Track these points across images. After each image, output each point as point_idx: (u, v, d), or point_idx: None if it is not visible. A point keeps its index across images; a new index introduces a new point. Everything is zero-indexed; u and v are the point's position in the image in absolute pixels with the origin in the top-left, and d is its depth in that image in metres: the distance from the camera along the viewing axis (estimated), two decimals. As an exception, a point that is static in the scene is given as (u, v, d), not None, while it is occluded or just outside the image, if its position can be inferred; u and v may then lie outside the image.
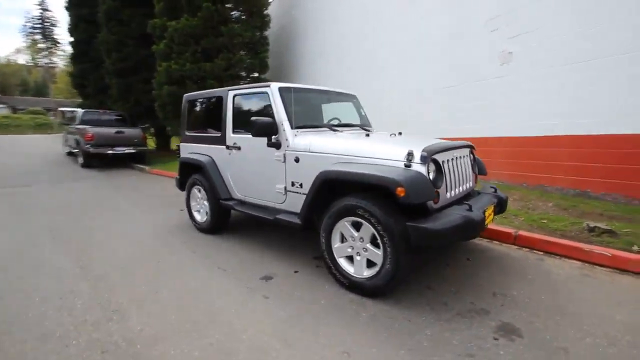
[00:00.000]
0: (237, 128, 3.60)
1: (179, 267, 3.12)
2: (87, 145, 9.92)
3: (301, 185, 2.97)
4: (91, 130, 10.08)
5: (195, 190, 4.16)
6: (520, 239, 3.43)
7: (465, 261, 3.10)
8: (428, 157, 2.35)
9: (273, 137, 3.07)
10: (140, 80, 12.81)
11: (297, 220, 2.95)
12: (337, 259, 2.62)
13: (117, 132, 10.72)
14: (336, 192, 2.63)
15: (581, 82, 4.62)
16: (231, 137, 3.60)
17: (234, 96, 3.59)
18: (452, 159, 2.69)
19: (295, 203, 3.04)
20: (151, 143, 14.17)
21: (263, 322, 2.20)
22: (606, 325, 2.09)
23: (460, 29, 6.26)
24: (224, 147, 3.68)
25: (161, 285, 2.75)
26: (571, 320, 2.14)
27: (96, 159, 10.47)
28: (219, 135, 3.75)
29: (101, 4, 12.87)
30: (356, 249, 2.51)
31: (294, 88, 3.34)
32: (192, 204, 4.26)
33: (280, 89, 3.20)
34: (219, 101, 3.78)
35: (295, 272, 2.97)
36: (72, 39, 16.58)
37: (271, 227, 4.26)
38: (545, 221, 3.81)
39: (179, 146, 4.56)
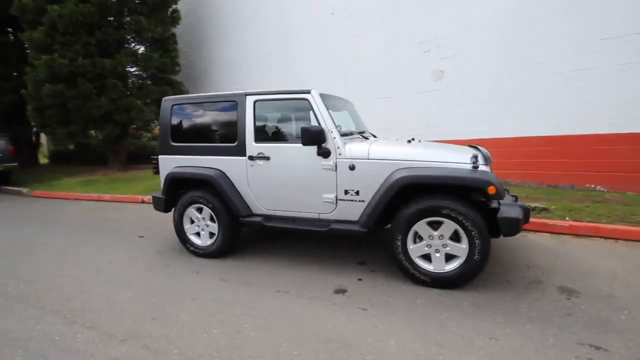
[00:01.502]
0: (261, 136, 3.28)
1: (234, 302, 2.66)
2: None
3: (357, 192, 2.97)
4: None
5: (192, 211, 3.56)
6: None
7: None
8: (490, 160, 2.75)
9: (322, 145, 2.97)
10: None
11: (356, 228, 2.94)
12: (413, 259, 2.76)
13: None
14: (402, 196, 2.77)
15: (500, 96, 5.98)
16: (254, 146, 3.25)
17: (255, 102, 3.26)
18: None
19: (349, 211, 3.02)
20: (43, 158, 10.82)
21: (394, 332, 2.17)
22: (608, 270, 2.90)
23: (396, 47, 7.13)
24: (244, 157, 3.30)
25: (242, 325, 2.32)
26: (587, 273, 2.87)
27: None
28: (234, 145, 3.33)
29: None
30: (434, 246, 2.71)
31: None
32: (187, 226, 3.62)
33: (322, 95, 3.11)
34: (232, 107, 3.36)
35: (359, 279, 2.95)
36: None
37: (276, 240, 4.01)
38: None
39: (155, 159, 3.79)
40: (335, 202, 3.05)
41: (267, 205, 3.32)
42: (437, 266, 2.71)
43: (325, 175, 3.04)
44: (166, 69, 9.95)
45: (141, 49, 10.09)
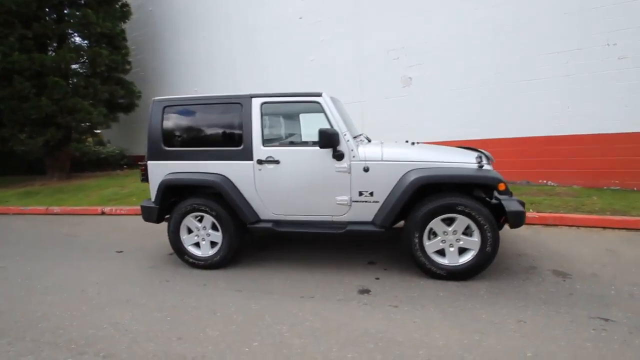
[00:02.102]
0: (269, 140, 3.20)
1: (261, 312, 2.55)
2: None
3: (371, 193, 3.04)
4: None
5: (190, 220, 3.33)
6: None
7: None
8: (492, 159, 3.01)
9: (337, 148, 2.99)
10: None
11: (372, 229, 3.01)
12: (429, 255, 2.90)
13: None
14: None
15: (463, 102, 6.53)
16: (263, 150, 3.15)
17: (262, 104, 3.17)
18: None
19: (363, 212, 3.08)
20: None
21: (433, 325, 2.26)
22: (583, 254, 3.34)
23: (367, 54, 7.40)
24: (251, 162, 3.18)
25: (281, 334, 2.24)
26: (568, 257, 3.28)
27: None
28: (239, 149, 3.20)
29: None
30: (448, 241, 2.88)
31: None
32: (184, 237, 3.37)
33: (332, 99, 3.13)
34: (235, 109, 3.22)
35: (377, 278, 3.02)
36: None
37: (271, 246, 3.92)
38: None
39: (144, 165, 3.48)
40: (349, 203, 3.09)
41: (276, 210, 3.23)
42: (452, 260, 2.89)
43: (338, 177, 3.07)
44: (117, 67, 9.12)
45: (86, 45, 9.10)
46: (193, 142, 3.37)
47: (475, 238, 2.81)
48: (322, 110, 3.08)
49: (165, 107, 3.36)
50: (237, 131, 3.23)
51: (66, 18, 8.26)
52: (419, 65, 6.79)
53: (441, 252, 2.92)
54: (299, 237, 4.04)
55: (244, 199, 3.23)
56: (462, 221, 2.81)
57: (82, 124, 8.22)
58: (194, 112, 3.39)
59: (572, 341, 2.04)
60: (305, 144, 3.29)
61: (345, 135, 3.03)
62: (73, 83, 8.03)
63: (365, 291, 2.79)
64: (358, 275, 3.08)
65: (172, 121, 3.38)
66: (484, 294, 2.65)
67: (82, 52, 8.16)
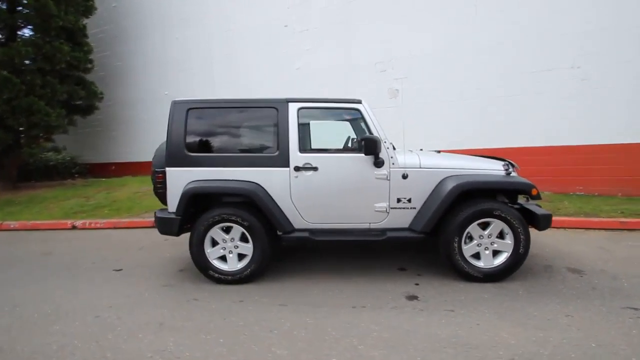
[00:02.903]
0: (306, 146, 3.12)
1: (320, 326, 2.45)
2: None
3: (409, 200, 3.10)
4: None
5: (217, 231, 3.09)
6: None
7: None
8: (516, 166, 3.24)
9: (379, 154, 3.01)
10: None
11: (411, 235, 3.06)
12: (467, 258, 3.02)
13: None
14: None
15: (447, 114, 6.95)
16: (300, 156, 3.06)
17: (299, 109, 3.08)
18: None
19: (400, 219, 3.13)
20: None
21: (497, 326, 2.34)
22: (584, 252, 3.71)
23: (354, 65, 7.58)
24: (287, 168, 3.06)
25: (354, 347, 2.16)
26: (573, 256, 3.62)
27: None
28: (275, 155, 3.06)
29: None
30: (484, 245, 3.02)
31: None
32: (209, 250, 3.12)
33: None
34: (270, 114, 3.09)
35: (417, 284, 3.05)
36: None
37: (291, 256, 3.80)
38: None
39: (161, 173, 3.17)
40: (387, 210, 3.11)
41: (312, 218, 3.14)
42: (487, 262, 3.03)
43: (378, 184, 3.08)
44: (78, 65, 8.25)
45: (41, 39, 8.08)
46: (221, 147, 3.16)
47: (509, 241, 2.99)
48: (362, 117, 3.09)
49: (189, 110, 3.12)
50: (272, 137, 3.10)
51: (19, 8, 7.31)
52: (406, 78, 7.12)
53: (476, 256, 3.05)
54: (314, 246, 3.94)
55: (278, 207, 3.09)
56: (497, 225, 2.97)
57: (39, 127, 7.24)
58: (223, 116, 3.19)
59: (619, 330, 2.25)
60: (344, 150, 3.26)
61: (385, 142, 3.06)
62: (27, 81, 7.08)
63: (412, 297, 2.81)
64: (397, 283, 3.09)
65: (197, 125, 3.15)
66: (522, 294, 2.82)
67: (39, 47, 7.24)
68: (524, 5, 6.23)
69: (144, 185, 7.84)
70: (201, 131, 3.17)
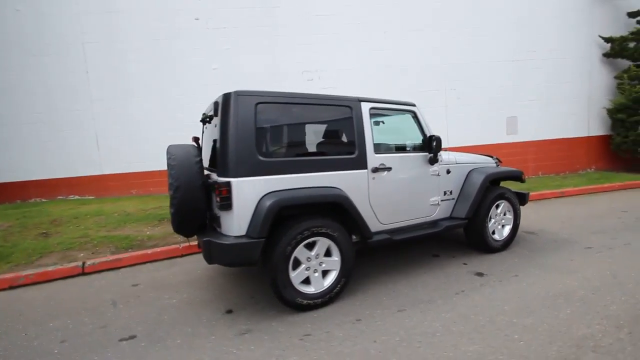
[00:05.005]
0: (378, 147, 3.03)
1: (480, 325, 2.50)
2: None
3: (451, 192, 3.56)
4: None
5: (302, 250, 2.62)
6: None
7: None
8: (500, 160, 4.22)
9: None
10: None
11: (459, 222, 3.51)
12: (490, 235, 3.71)
13: None
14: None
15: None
16: (375, 157, 2.97)
17: (370, 109, 2.99)
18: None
19: (446, 209, 3.55)
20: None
21: (567, 281, 3.06)
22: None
23: (279, 70, 7.44)
24: (365, 170, 2.91)
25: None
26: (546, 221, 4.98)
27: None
28: (354, 157, 2.86)
29: None
30: (497, 222, 3.80)
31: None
32: (293, 275, 2.59)
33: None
34: (344, 113, 2.85)
35: (465, 264, 3.50)
36: None
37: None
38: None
39: (225, 187, 2.40)
40: (439, 203, 3.44)
41: (385, 219, 3.09)
42: (500, 235, 3.82)
43: (432, 180, 3.38)
44: None
45: None
46: (295, 150, 2.67)
47: (510, 216, 3.89)
48: (416, 118, 3.30)
49: (257, 105, 2.48)
50: (348, 137, 2.87)
51: None
52: (333, 88, 7.59)
53: (493, 232, 3.80)
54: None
55: (359, 212, 2.89)
56: (505, 205, 3.81)
57: None
58: (293, 113, 2.69)
59: (611, 258, 3.38)
60: (408, 149, 3.35)
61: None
62: None
63: (480, 274, 3.24)
64: (453, 267, 3.45)
65: (267, 123, 2.54)
66: (526, 252, 3.73)
67: None
68: (420, 37, 7.86)
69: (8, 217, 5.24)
70: (272, 131, 2.59)
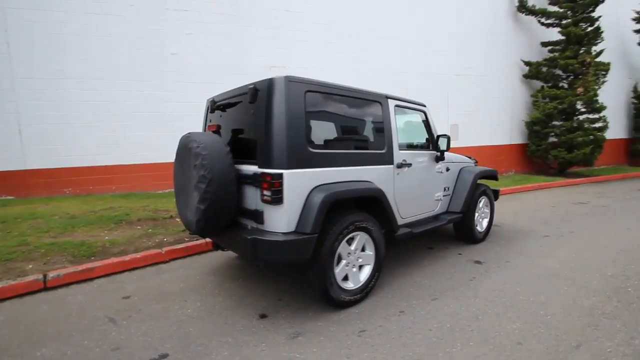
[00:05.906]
0: (400, 143, 3.12)
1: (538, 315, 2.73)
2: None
3: (448, 188, 3.85)
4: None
5: (344, 245, 2.58)
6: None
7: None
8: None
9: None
10: None
11: (457, 215, 3.82)
12: (477, 227, 4.12)
13: None
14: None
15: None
16: (400, 153, 3.06)
17: (395, 106, 3.06)
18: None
19: (444, 204, 3.86)
20: None
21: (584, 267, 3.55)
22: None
23: (244, 61, 7.07)
24: (391, 166, 2.98)
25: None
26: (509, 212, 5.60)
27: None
28: (383, 152, 2.90)
29: None
30: (479, 215, 4.23)
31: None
32: (337, 270, 2.53)
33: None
34: (375, 108, 2.88)
35: (460, 254, 3.83)
36: None
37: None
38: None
39: (276, 178, 2.22)
40: (441, 198, 3.71)
41: (404, 213, 3.21)
42: (481, 227, 4.27)
43: (437, 177, 3.63)
44: None
45: None
46: (337, 142, 2.60)
47: (488, 210, 4.37)
48: (426, 118, 3.50)
49: (306, 93, 2.35)
50: (378, 133, 2.90)
51: None
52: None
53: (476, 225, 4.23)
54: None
55: (391, 206, 2.95)
56: (485, 200, 4.28)
57: None
58: (336, 105, 2.61)
59: (568, 243, 4.04)
60: (421, 147, 3.49)
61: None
62: None
63: (478, 262, 3.57)
64: (454, 254, 3.73)
65: (316, 113, 2.43)
66: (503, 241, 4.25)
67: None
68: (381, 45, 8.28)
69: None
70: (321, 122, 2.48)
